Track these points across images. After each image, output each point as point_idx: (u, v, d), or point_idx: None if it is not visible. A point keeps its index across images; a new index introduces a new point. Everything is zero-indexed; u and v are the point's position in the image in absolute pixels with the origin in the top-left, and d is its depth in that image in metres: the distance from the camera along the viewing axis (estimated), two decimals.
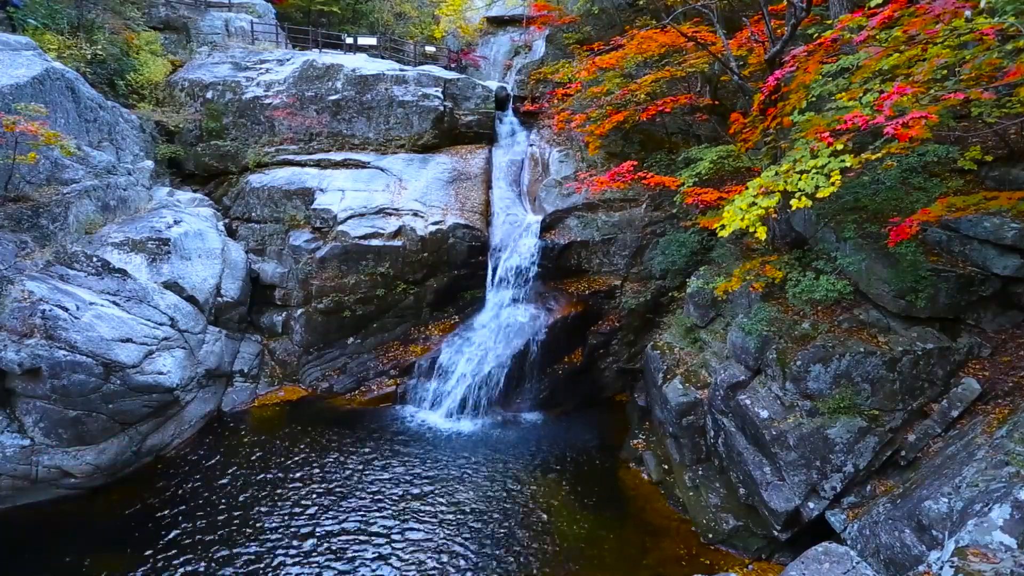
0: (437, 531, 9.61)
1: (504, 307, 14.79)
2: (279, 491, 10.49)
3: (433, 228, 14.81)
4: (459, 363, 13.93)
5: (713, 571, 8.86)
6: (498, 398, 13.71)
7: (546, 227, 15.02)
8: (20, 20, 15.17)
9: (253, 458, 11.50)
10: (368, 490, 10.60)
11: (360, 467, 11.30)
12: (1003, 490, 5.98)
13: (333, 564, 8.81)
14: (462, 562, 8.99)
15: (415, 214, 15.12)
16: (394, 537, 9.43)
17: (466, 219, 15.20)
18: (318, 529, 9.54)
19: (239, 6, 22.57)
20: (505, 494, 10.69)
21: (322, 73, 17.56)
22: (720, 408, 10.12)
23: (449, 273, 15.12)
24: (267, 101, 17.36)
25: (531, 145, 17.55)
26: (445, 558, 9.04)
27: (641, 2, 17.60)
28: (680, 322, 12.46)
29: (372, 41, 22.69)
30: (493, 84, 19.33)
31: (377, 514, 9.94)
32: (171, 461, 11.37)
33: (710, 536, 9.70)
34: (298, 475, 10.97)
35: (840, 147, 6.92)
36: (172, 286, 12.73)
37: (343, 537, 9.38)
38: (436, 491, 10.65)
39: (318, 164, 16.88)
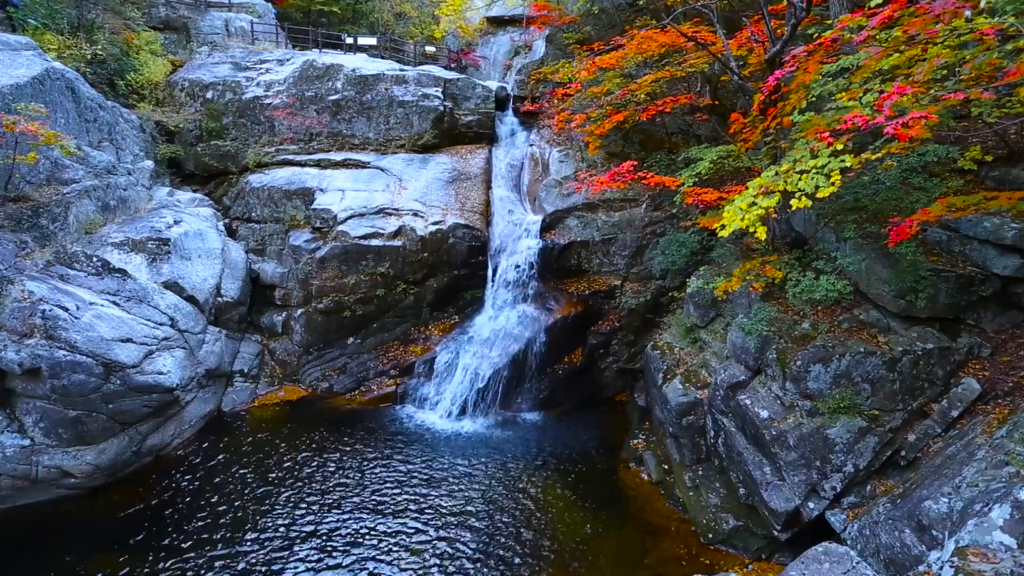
0: (437, 531, 9.61)
1: (504, 307, 14.80)
2: (279, 491, 10.49)
3: (433, 228, 14.81)
4: (459, 363, 13.93)
5: (713, 571, 8.87)
6: (498, 398, 13.70)
7: (546, 227, 15.02)
8: (20, 20, 15.17)
9: (253, 458, 11.50)
10: (368, 490, 10.59)
11: (360, 467, 11.30)
12: (1003, 490, 5.98)
13: (334, 564, 8.81)
14: (463, 561, 8.99)
15: (415, 214, 15.12)
16: (394, 537, 9.43)
17: (466, 219, 15.20)
18: (318, 529, 9.54)
19: (239, 6, 22.56)
20: (505, 494, 10.69)
21: (322, 73, 17.56)
22: (720, 408, 10.12)
23: (449, 273, 15.12)
24: (267, 101, 17.36)
25: (531, 145, 17.55)
26: (446, 558, 9.04)
27: (641, 2, 17.60)
28: (680, 322, 12.46)
29: (372, 41, 22.69)
30: (493, 84, 19.32)
31: (377, 514, 9.94)
32: (171, 461, 11.37)
33: (710, 536, 9.70)
34: (298, 475, 10.97)
35: (840, 147, 6.92)
36: (172, 286, 12.74)
37: (343, 537, 9.38)
38: (436, 491, 10.65)
39: (318, 164, 16.88)
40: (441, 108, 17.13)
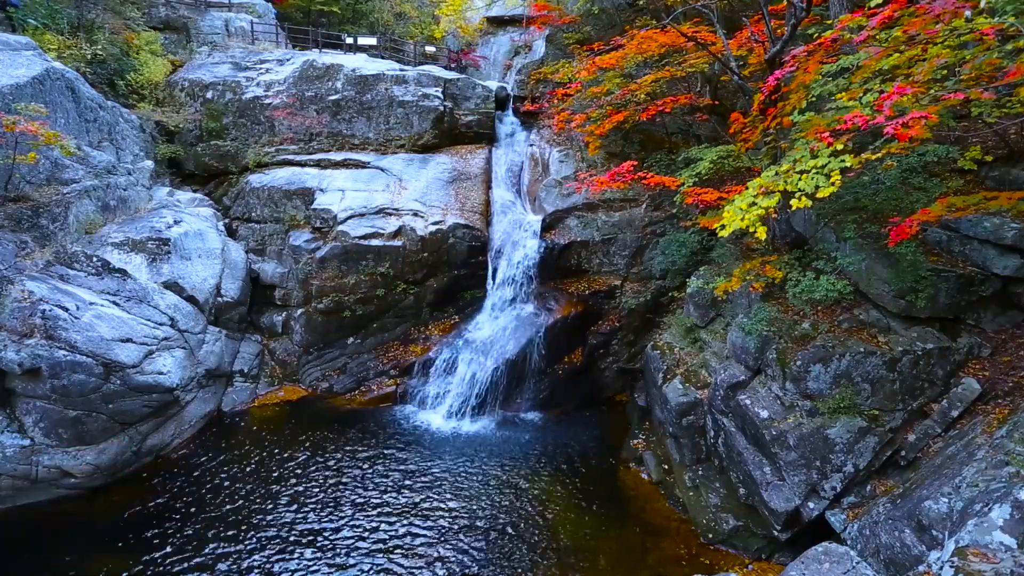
0: (438, 531, 9.61)
1: (504, 307, 14.79)
2: (279, 491, 10.49)
3: (433, 228, 14.81)
4: (459, 363, 13.92)
5: (713, 571, 8.87)
6: (498, 398, 13.70)
7: (546, 227, 15.02)
8: (20, 20, 15.18)
9: (253, 458, 11.50)
10: (368, 490, 10.60)
11: (360, 467, 11.30)
12: (1003, 490, 5.98)
13: (334, 564, 8.81)
14: (463, 561, 8.99)
15: (415, 214, 15.12)
16: (395, 537, 9.43)
17: (466, 219, 15.20)
18: (319, 529, 9.54)
19: (239, 6, 22.57)
20: (505, 494, 10.69)
21: (322, 73, 17.56)
22: (720, 408, 10.12)
23: (449, 273, 15.12)
24: (267, 101, 17.36)
25: (531, 145, 17.55)
26: (446, 558, 9.03)
27: (641, 2, 17.60)
28: (680, 322, 12.46)
29: (372, 41, 22.69)
30: (493, 84, 19.33)
31: (378, 514, 9.95)
32: (171, 461, 11.37)
33: (710, 536, 9.70)
34: (298, 475, 10.97)
35: (840, 147, 6.92)
36: (172, 286, 12.74)
37: (344, 537, 9.38)
38: (437, 491, 10.65)
39: (318, 164, 16.88)
40: (441, 108, 17.13)
